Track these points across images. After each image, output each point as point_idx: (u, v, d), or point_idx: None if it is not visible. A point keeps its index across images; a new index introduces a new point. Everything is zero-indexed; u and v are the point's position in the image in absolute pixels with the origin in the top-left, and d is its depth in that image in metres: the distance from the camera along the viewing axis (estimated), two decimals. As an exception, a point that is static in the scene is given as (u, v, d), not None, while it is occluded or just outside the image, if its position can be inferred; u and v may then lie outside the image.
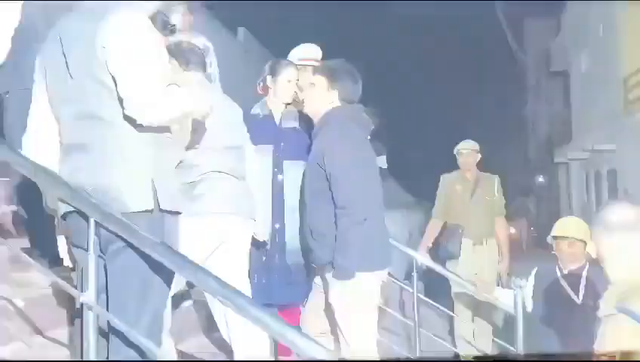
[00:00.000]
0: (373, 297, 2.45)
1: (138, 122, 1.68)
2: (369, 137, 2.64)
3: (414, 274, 3.42)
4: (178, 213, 1.84)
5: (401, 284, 4.13)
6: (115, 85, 1.67)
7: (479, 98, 25.60)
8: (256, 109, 2.98)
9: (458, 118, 22.97)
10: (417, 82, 24.82)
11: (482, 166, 4.74)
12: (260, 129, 2.85)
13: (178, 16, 4.63)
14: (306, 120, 2.78)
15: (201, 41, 4.65)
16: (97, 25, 1.69)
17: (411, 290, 3.43)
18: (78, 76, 1.73)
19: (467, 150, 4.60)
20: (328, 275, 2.36)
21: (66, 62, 1.75)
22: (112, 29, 1.67)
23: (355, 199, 2.31)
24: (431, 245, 4.55)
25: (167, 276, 1.77)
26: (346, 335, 2.36)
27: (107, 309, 1.67)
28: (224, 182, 2.42)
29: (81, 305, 1.58)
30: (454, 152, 4.66)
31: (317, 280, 2.55)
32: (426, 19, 20.97)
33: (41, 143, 1.89)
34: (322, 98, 2.48)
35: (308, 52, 3.17)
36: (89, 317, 1.56)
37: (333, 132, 2.41)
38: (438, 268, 3.75)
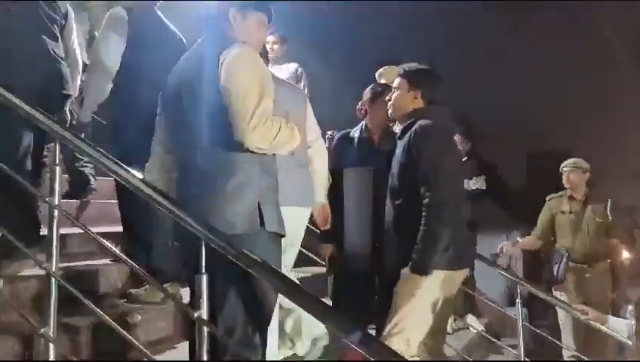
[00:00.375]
0: (439, 295, 2.41)
1: (252, 149, 1.82)
2: (465, 158, 2.63)
3: (518, 300, 3.27)
4: (282, 235, 1.95)
5: (504, 311, 3.96)
6: (230, 115, 1.80)
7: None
8: (355, 132, 3.09)
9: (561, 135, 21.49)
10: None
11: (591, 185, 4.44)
12: (359, 151, 2.99)
13: (270, 45, 4.86)
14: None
15: (293, 66, 4.87)
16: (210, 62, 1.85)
17: (515, 317, 3.27)
18: (194, 107, 1.89)
19: (573, 168, 4.35)
20: (404, 270, 2.35)
21: (182, 97, 1.93)
22: (232, 66, 1.82)
23: (445, 197, 2.30)
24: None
25: (272, 294, 1.87)
26: (396, 324, 2.34)
27: (216, 325, 1.77)
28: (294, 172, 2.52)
29: (195, 320, 1.69)
30: (560, 171, 4.42)
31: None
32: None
33: (157, 169, 2.09)
34: (406, 99, 2.53)
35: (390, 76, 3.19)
36: (202, 333, 1.66)
37: (421, 130, 2.41)
38: (542, 294, 3.55)
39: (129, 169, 1.90)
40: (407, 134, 2.45)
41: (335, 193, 2.97)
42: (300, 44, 5.32)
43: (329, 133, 3.98)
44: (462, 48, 5.75)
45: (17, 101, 2.07)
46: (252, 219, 1.85)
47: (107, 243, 2.01)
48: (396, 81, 2.61)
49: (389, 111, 2.66)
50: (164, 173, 2.08)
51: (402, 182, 2.45)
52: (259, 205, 1.87)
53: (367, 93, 3.10)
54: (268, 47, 4.68)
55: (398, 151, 2.51)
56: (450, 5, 5.69)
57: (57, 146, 1.97)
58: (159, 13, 2.94)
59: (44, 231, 2.50)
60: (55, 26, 2.78)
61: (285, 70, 4.77)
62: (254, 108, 1.79)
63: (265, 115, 1.82)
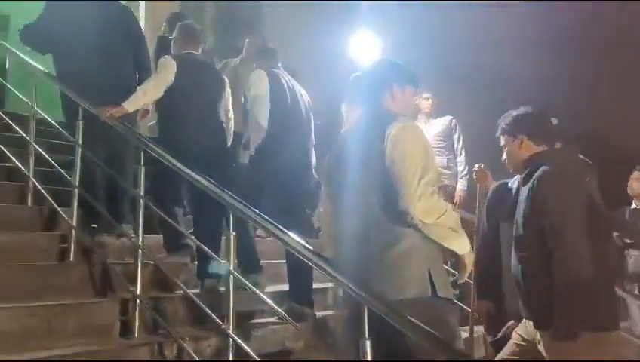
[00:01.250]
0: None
1: (417, 219, 1.85)
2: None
3: None
4: (450, 300, 1.94)
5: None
6: (397, 185, 1.88)
7: None
8: (514, 183, 2.91)
9: None
10: None
11: None
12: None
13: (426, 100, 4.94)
14: None
15: (447, 119, 4.87)
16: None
17: None
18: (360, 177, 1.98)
19: None
20: (544, 333, 2.09)
21: (346, 166, 2.05)
22: (399, 139, 1.91)
23: (579, 249, 2.04)
24: None
25: None
26: None
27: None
28: None
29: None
30: None
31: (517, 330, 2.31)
32: None
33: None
34: (513, 148, 2.36)
35: None
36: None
37: (544, 177, 2.18)
38: None
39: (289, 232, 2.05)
40: (530, 181, 2.25)
41: (488, 245, 2.81)
42: (450, 90, 5.34)
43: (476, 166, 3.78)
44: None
45: (198, 177, 2.39)
46: (423, 284, 1.87)
47: (272, 303, 2.14)
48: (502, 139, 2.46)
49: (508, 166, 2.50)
50: (329, 240, 2.18)
51: (527, 232, 2.23)
52: (429, 271, 1.88)
53: None
54: (427, 103, 4.77)
55: (521, 198, 2.30)
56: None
57: (232, 217, 2.21)
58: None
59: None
60: (220, 90, 3.34)
61: (439, 123, 4.81)
62: (419, 179, 1.86)
63: (430, 186, 1.88)
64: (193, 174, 2.53)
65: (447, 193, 4.46)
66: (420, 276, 1.87)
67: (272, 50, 3.59)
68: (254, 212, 2.21)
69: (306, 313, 3.00)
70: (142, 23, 6.28)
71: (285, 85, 3.34)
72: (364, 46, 6.66)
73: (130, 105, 3.13)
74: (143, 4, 7.35)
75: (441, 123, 4.86)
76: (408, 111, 2.17)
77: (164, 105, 3.29)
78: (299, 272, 2.95)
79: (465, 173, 4.56)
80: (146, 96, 3.21)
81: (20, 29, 3.51)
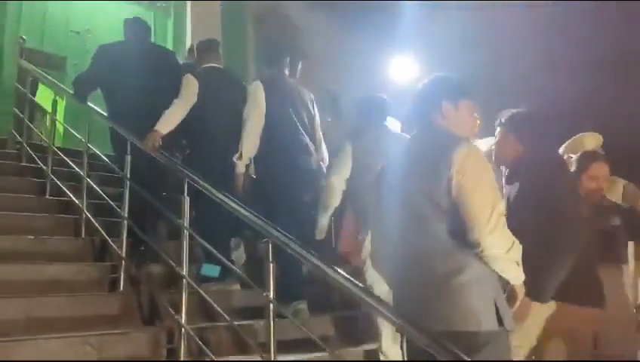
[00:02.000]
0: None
1: (488, 252, 1.77)
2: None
3: None
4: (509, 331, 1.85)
5: None
6: (466, 215, 1.78)
7: None
8: None
9: None
10: None
11: None
12: None
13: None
14: None
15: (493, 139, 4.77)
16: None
17: None
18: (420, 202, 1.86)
19: None
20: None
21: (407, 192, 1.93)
22: (465, 167, 1.78)
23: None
24: None
25: None
26: None
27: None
28: None
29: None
30: None
31: None
32: None
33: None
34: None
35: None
36: None
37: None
38: None
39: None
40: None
41: None
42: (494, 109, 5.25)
43: None
44: None
45: (237, 206, 2.45)
46: (490, 315, 1.77)
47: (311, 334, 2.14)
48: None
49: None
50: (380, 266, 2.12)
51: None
52: (495, 302, 1.79)
53: (572, 163, 2.88)
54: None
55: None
56: None
57: (270, 246, 2.24)
58: None
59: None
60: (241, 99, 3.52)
61: (484, 144, 4.71)
62: (492, 210, 1.76)
63: (502, 217, 1.78)
64: (232, 204, 2.59)
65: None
66: (486, 306, 1.77)
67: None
68: (295, 242, 2.22)
69: (302, 308, 3.13)
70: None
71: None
72: (404, 69, 6.68)
73: (163, 128, 3.38)
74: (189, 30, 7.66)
75: (487, 143, 4.76)
76: (468, 127, 1.99)
77: (189, 121, 3.50)
78: (290, 271, 2.95)
79: None
80: (175, 116, 3.44)
81: (73, 82, 3.86)
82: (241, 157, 3.40)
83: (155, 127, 3.35)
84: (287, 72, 3.76)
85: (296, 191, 3.45)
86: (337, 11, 8.41)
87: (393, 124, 3.70)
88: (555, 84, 5.52)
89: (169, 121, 3.41)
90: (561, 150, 3.53)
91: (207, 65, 3.71)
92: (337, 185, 3.32)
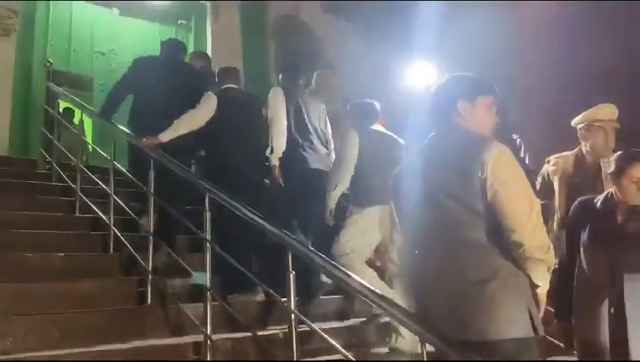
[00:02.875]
0: None
1: (531, 253, 1.74)
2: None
3: None
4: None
5: None
6: (505, 218, 1.74)
7: None
8: (599, 200, 2.71)
9: None
10: None
11: None
12: (597, 225, 2.64)
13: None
14: None
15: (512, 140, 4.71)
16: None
17: None
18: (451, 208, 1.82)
19: None
20: None
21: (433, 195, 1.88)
22: (499, 169, 1.75)
23: None
24: None
25: None
26: None
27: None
28: None
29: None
30: None
31: None
32: None
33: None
34: None
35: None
36: None
37: None
38: None
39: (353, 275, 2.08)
40: None
41: (570, 263, 2.68)
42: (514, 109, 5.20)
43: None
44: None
45: (259, 219, 2.49)
46: (525, 323, 1.74)
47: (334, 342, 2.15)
48: None
49: None
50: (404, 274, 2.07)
51: None
52: (528, 309, 1.76)
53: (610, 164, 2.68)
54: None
55: None
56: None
57: (290, 256, 2.28)
58: None
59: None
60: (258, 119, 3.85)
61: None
62: (530, 210, 1.74)
63: (540, 217, 1.77)
64: (254, 216, 2.63)
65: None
66: (521, 314, 1.74)
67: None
68: (316, 254, 2.25)
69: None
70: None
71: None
72: (423, 75, 6.66)
73: (165, 137, 3.56)
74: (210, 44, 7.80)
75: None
76: (487, 125, 1.93)
77: (207, 137, 3.72)
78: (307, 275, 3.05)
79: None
80: (180, 128, 3.62)
81: (102, 104, 4.14)
82: (272, 151, 3.70)
83: (159, 135, 3.56)
84: (301, 81, 3.92)
85: (307, 197, 3.64)
86: (356, 19, 8.46)
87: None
88: (580, 90, 5.44)
89: (173, 130, 3.61)
90: (575, 121, 3.49)
91: (227, 86, 3.92)
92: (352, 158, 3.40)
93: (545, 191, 3.61)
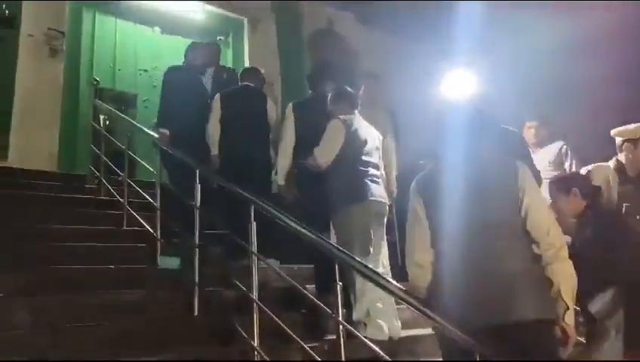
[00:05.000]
0: None
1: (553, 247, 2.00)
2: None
3: None
4: None
5: None
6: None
7: None
8: None
9: None
10: None
11: None
12: None
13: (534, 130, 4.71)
14: None
15: (558, 146, 4.61)
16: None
17: None
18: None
19: None
20: None
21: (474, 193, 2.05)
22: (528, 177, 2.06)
23: None
24: None
25: None
26: None
27: None
28: None
29: None
30: None
31: None
32: None
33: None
34: None
35: None
36: None
37: None
38: None
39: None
40: None
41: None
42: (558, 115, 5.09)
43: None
44: None
45: (303, 229, 2.51)
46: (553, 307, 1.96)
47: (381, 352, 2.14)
48: None
49: None
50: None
51: None
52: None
53: None
54: (531, 133, 4.59)
55: None
56: None
57: (336, 266, 2.28)
58: None
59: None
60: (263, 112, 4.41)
61: (549, 151, 4.58)
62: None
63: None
64: (298, 227, 2.65)
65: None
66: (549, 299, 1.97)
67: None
68: (357, 261, 2.26)
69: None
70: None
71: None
72: (460, 83, 6.59)
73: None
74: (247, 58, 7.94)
75: (552, 151, 4.61)
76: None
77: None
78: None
79: None
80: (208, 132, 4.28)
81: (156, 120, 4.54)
82: (276, 173, 3.89)
83: None
84: (327, 88, 3.99)
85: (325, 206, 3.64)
86: (391, 29, 8.47)
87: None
88: (623, 95, 5.29)
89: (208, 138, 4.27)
90: (617, 132, 3.49)
91: (241, 83, 4.48)
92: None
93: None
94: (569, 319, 1.94)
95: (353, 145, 3.46)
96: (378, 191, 3.45)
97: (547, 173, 4.30)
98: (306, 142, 3.66)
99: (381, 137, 3.75)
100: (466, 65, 6.61)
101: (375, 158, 3.57)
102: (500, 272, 1.91)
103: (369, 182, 3.40)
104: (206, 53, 4.89)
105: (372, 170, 3.49)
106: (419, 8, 7.28)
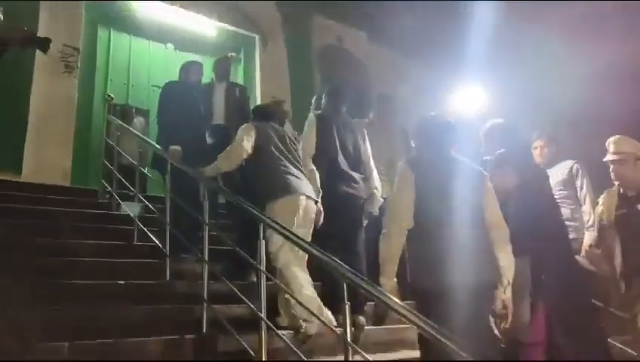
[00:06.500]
0: None
1: None
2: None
3: None
4: None
5: None
6: None
7: None
8: None
9: None
10: None
11: None
12: None
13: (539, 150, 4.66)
14: None
15: (569, 164, 4.55)
16: None
17: None
18: None
19: None
20: None
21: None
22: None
23: None
24: None
25: None
26: None
27: None
28: None
29: None
30: None
31: None
32: None
33: None
34: None
35: None
36: None
37: None
38: None
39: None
40: None
41: None
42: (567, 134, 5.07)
43: None
44: None
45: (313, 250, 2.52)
46: None
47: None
48: None
49: None
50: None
51: None
52: None
53: None
54: (537, 152, 4.54)
55: None
56: None
57: (345, 286, 2.29)
58: None
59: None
60: None
61: (559, 171, 4.48)
62: None
63: None
64: (307, 246, 2.67)
65: (575, 247, 4.08)
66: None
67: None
68: (366, 282, 2.27)
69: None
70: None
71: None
72: (469, 99, 6.62)
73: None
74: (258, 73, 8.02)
75: (561, 170, 4.49)
76: None
77: None
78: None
79: (591, 223, 4.06)
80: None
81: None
82: None
83: None
84: (343, 107, 4.06)
85: (340, 218, 3.71)
86: (400, 46, 8.52)
87: None
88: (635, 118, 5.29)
89: None
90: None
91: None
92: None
93: (602, 234, 3.65)
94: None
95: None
96: (302, 187, 3.53)
97: (555, 192, 4.25)
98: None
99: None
100: (476, 83, 6.65)
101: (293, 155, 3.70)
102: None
103: (290, 177, 3.51)
104: (198, 70, 5.05)
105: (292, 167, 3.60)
106: (429, 27, 7.35)
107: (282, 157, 3.58)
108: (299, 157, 3.71)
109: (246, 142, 3.55)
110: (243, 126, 3.69)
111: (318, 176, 3.74)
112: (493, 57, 6.08)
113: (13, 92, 5.77)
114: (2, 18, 3.96)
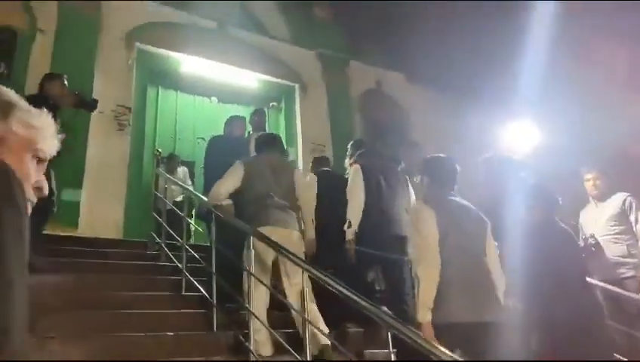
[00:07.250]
0: None
1: None
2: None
3: None
4: None
5: None
6: None
7: None
8: None
9: None
10: None
11: None
12: None
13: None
14: None
15: (622, 197, 4.36)
16: None
17: None
18: None
19: None
20: None
21: None
22: None
23: None
24: None
25: None
26: None
27: None
28: None
29: None
30: None
31: None
32: None
33: None
34: None
35: None
36: None
37: None
38: None
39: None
40: None
41: None
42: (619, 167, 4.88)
43: None
44: None
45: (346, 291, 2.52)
46: None
47: None
48: None
49: None
50: None
51: None
52: None
53: None
54: (590, 184, 4.39)
55: None
56: None
57: (389, 336, 2.25)
58: None
59: None
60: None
61: (611, 205, 4.28)
62: None
63: None
64: (343, 289, 2.65)
65: (634, 286, 3.82)
66: None
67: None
68: (410, 330, 2.22)
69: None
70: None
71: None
72: (521, 135, 6.51)
73: None
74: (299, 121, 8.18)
75: (614, 204, 4.28)
76: None
77: None
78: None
79: None
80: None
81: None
82: (350, 225, 3.90)
83: None
84: (384, 152, 4.10)
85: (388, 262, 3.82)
86: (440, 85, 8.54)
87: None
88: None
89: None
90: None
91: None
92: None
93: None
94: None
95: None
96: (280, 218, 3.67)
97: (607, 228, 4.07)
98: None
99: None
100: (525, 118, 6.54)
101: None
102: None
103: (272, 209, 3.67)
104: (240, 125, 5.37)
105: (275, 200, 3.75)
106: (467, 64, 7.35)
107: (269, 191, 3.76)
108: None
109: (223, 187, 3.86)
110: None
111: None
112: (543, 90, 5.99)
113: (71, 151, 6.10)
114: (67, 84, 4.37)
